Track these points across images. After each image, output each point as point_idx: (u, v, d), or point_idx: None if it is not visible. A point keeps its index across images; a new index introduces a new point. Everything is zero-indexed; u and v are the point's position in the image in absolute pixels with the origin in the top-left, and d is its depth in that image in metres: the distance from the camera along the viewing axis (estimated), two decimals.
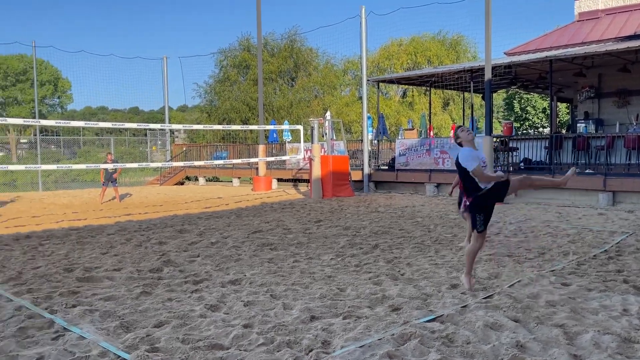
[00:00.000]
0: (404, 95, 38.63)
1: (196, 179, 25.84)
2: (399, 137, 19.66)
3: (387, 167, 18.53)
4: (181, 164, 21.33)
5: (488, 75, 13.55)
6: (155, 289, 5.62)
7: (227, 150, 25.64)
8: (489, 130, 14.02)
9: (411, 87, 33.13)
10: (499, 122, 36.95)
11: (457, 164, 5.23)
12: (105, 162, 15.58)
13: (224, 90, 35.82)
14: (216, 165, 23.05)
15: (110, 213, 13.10)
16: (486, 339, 3.97)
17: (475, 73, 17.02)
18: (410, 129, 20.40)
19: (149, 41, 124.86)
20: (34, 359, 3.68)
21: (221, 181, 25.65)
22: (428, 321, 4.35)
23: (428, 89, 23.37)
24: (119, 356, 3.72)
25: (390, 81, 22.07)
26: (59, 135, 47.04)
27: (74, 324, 4.38)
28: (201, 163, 21.23)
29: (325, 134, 18.41)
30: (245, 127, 21.18)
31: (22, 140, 52.57)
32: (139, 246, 8.21)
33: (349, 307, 4.81)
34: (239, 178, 23.94)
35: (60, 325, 4.36)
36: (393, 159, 18.15)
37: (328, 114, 20.94)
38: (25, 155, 49.28)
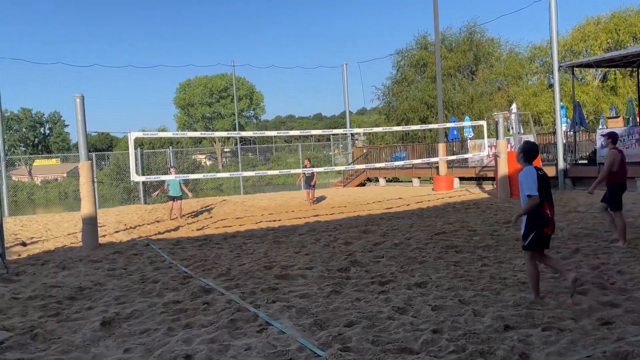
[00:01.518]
0: (604, 79, 34.26)
1: (377, 180, 26.34)
2: (600, 127, 17.49)
3: (586, 162, 16.60)
4: (362, 166, 21.94)
5: None
6: (344, 288, 5.83)
7: (406, 151, 25.63)
8: None
9: (613, 69, 29.22)
10: None
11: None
12: (304, 167, 16.69)
13: (402, 90, 35.89)
14: (396, 166, 23.19)
15: (300, 214, 14.05)
16: None
17: None
18: (614, 117, 18.03)
19: (330, 50, 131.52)
20: (243, 349, 4.08)
21: (401, 182, 25.73)
22: None
23: (636, 69, 20.35)
24: (315, 353, 3.92)
25: (588, 65, 19.73)
26: (255, 144, 52.25)
27: (275, 319, 4.76)
28: (381, 165, 21.56)
29: (512, 127, 17.26)
30: (424, 127, 20.89)
31: (225, 150, 59.60)
32: (327, 246, 8.64)
33: (548, 317, 4.40)
34: (418, 178, 23.74)
35: (263, 320, 4.78)
36: (594, 152, 16.18)
37: (514, 106, 19.63)
38: (229, 163, 55.75)
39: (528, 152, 4.82)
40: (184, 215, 14.83)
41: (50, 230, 13.44)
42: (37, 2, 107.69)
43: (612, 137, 7.43)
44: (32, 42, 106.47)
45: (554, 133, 16.92)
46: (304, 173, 16.30)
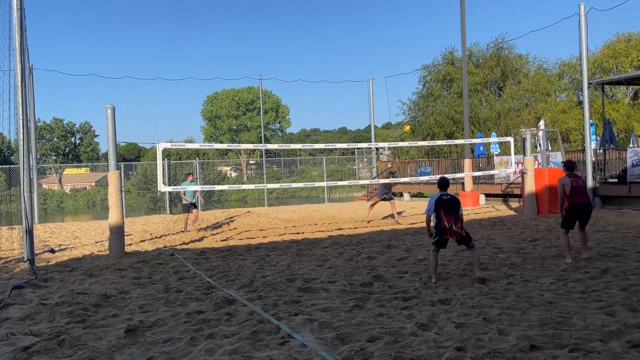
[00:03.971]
0: (636, 97, 33.57)
1: (401, 195, 26.19)
2: (632, 145, 17.12)
3: (616, 180, 16.24)
4: (387, 180, 21.81)
5: None
6: (367, 303, 5.80)
7: (432, 166, 25.46)
8: None
9: None
10: None
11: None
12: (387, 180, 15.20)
13: (428, 105, 35.81)
14: (420, 181, 23.04)
15: (323, 227, 14.05)
16: None
17: None
18: None
19: (356, 64, 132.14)
20: None
21: (426, 197, 25.53)
22: None
23: None
24: None
25: (618, 82, 19.44)
26: (280, 157, 52.58)
27: (297, 332, 4.75)
28: (406, 179, 21.44)
29: (539, 144, 17.02)
30: (450, 142, 20.72)
31: (250, 162, 60.11)
32: (350, 260, 8.61)
33: (575, 338, 4.29)
34: None
35: (285, 332, 4.78)
36: (624, 171, 15.83)
37: (542, 122, 19.40)
38: (254, 175, 56.19)
39: (439, 184, 7.00)
40: (203, 228, 14.83)
41: (78, 238, 13.74)
42: (70, 16, 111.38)
43: (565, 165, 8.14)
44: (66, 54, 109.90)
45: (583, 151, 16.63)
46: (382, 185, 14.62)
